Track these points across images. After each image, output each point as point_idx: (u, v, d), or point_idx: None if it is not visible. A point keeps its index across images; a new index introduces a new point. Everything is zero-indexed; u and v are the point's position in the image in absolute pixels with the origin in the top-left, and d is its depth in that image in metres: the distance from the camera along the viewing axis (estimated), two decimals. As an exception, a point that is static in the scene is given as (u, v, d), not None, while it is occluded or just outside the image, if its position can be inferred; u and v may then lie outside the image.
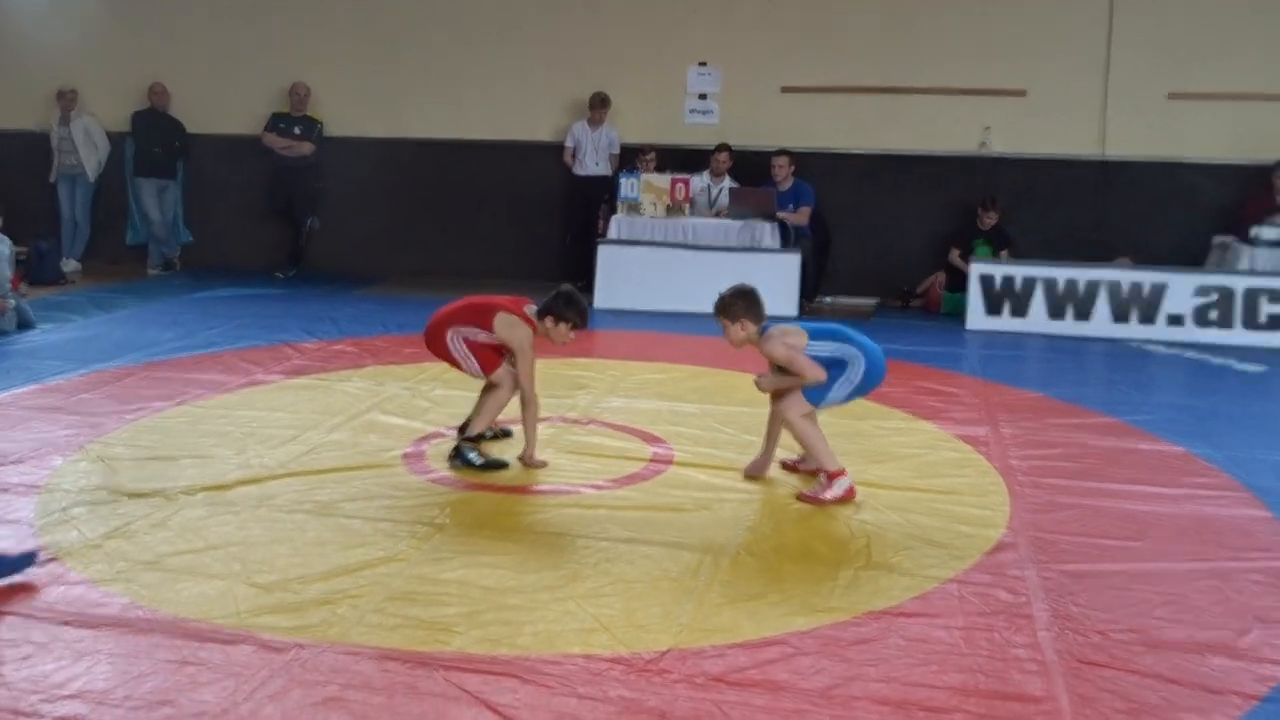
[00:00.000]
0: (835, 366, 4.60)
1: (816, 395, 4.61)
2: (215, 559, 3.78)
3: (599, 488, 4.68)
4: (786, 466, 4.96)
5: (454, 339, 4.90)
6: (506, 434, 5.29)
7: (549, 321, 4.87)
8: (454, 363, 4.94)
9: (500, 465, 4.86)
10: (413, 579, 3.65)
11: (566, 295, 4.88)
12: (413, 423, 5.56)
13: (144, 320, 8.28)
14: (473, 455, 4.87)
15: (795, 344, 4.59)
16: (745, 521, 4.29)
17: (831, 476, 4.57)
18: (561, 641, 3.25)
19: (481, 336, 4.89)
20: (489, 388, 4.99)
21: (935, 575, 3.80)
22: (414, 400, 6.01)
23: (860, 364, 4.61)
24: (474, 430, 4.95)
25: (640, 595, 3.59)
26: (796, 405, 4.63)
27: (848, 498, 4.53)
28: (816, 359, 4.58)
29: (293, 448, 5.07)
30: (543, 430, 5.47)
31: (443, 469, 4.83)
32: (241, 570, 3.69)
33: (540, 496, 4.54)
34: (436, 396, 6.07)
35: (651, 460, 5.08)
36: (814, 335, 4.64)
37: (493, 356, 4.93)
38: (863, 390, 4.66)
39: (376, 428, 5.45)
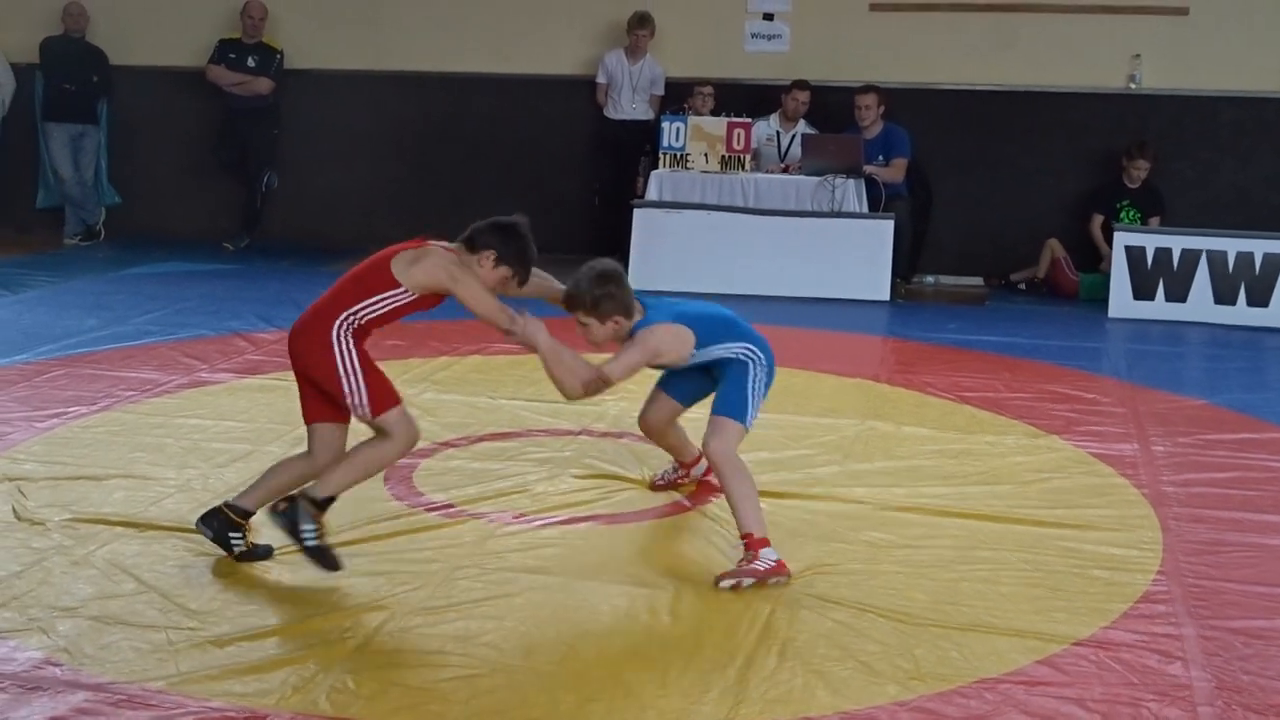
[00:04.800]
0: (735, 365, 4.44)
1: (741, 409, 4.38)
2: (150, 606, 3.83)
3: (634, 518, 4.71)
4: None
5: (341, 336, 4.03)
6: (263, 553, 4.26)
7: (479, 261, 4.12)
8: (333, 388, 4.04)
9: (262, 554, 4.19)
10: (398, 634, 3.69)
11: (502, 225, 4.17)
12: (397, 435, 5.61)
13: (60, 303, 8.40)
14: (308, 530, 4.03)
15: (671, 353, 4.38)
16: (820, 562, 4.30)
17: (755, 545, 4.15)
18: (587, 713, 3.28)
19: (379, 306, 4.05)
20: (373, 441, 4.18)
21: (1065, 634, 3.79)
22: (399, 406, 6.06)
23: (761, 356, 4.48)
24: (323, 491, 4.10)
25: (687, 655, 3.62)
26: (726, 434, 4.31)
27: (778, 573, 4.10)
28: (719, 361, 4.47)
29: (246, 466, 5.12)
30: (563, 447, 5.51)
31: (436, 494, 4.88)
32: (183, 620, 3.74)
33: (561, 529, 4.58)
34: (426, 402, 6.13)
35: (701, 485, 5.11)
36: (705, 334, 4.42)
37: (385, 384, 4.11)
38: (765, 390, 4.50)
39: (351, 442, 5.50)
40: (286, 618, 3.77)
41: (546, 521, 4.64)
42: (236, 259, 10.54)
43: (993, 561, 4.35)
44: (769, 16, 10.70)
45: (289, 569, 4.12)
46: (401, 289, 4.05)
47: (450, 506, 4.77)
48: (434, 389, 6.35)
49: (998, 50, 10.31)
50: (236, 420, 5.75)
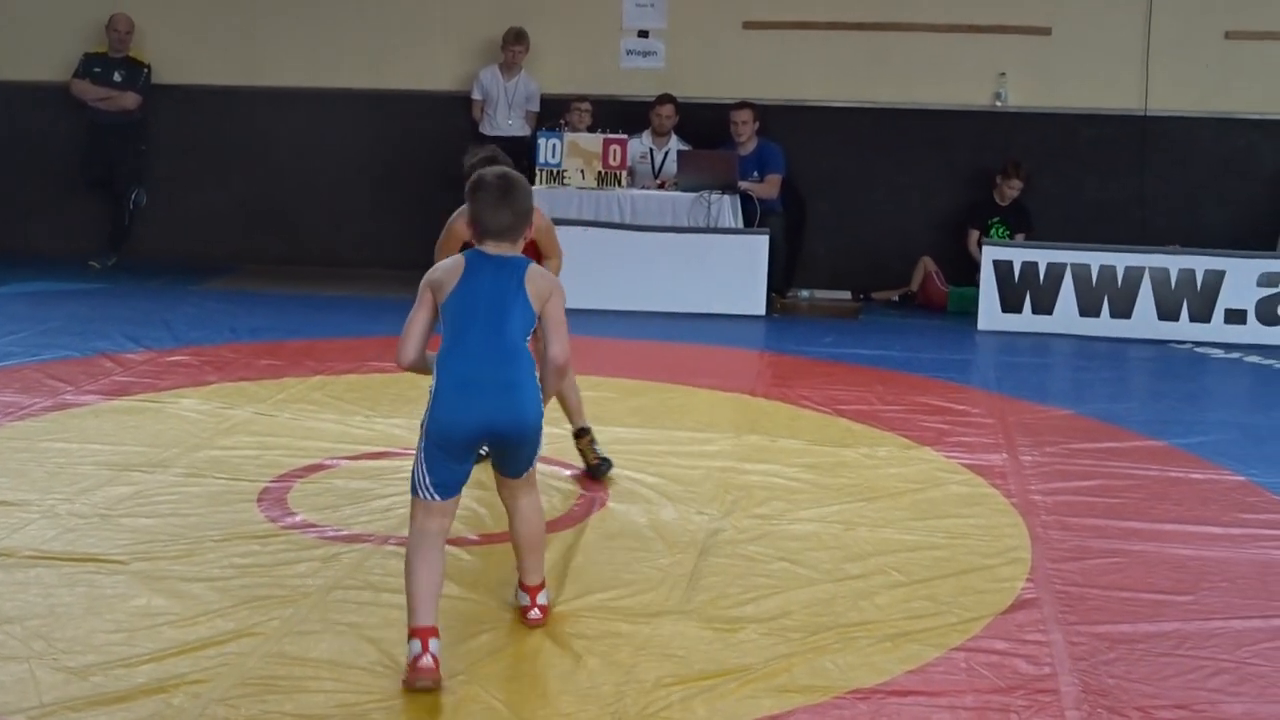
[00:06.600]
0: None
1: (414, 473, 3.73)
2: (11, 636, 3.74)
3: (509, 538, 4.69)
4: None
5: None
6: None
7: None
8: None
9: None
10: (271, 659, 3.64)
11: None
12: (269, 453, 5.54)
13: (-84, 325, 8.15)
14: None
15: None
16: (695, 577, 4.33)
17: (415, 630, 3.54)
18: (463, 735, 3.27)
19: None
20: None
21: (937, 642, 3.86)
22: (272, 427, 5.98)
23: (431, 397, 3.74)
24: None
25: (564, 675, 3.62)
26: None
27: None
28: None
29: (113, 490, 5.02)
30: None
31: (311, 515, 4.81)
32: (46, 650, 3.65)
33: (436, 549, 4.54)
34: (301, 424, 6.05)
35: (579, 500, 5.11)
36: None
37: None
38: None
39: (223, 464, 5.42)
40: (155, 646, 3.69)
41: (423, 541, 4.60)
42: (103, 278, 10.30)
43: (866, 573, 4.41)
44: (644, 34, 10.75)
45: (161, 595, 4.04)
46: None
47: (326, 527, 4.70)
48: (310, 408, 6.27)
49: (869, 68, 10.48)
50: (103, 443, 5.62)
